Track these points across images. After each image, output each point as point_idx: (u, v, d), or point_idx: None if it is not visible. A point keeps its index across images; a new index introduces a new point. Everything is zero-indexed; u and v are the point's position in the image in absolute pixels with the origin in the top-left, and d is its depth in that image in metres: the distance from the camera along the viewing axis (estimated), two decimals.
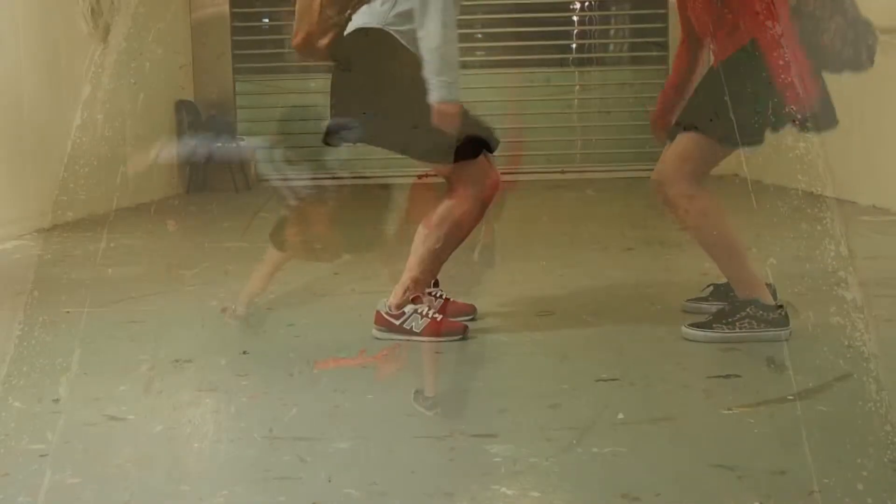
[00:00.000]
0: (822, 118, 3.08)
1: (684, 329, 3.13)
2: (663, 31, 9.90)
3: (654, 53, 9.96)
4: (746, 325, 3.07)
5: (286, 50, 9.58)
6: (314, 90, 8.61)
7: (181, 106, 9.30)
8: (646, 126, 3.71)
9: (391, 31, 3.02)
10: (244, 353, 3.03)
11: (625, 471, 2.07)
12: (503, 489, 1.97)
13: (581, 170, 9.68)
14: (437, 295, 3.40)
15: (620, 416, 2.40)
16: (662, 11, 9.90)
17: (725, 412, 2.42)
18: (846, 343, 2.83)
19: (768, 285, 3.21)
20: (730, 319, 3.09)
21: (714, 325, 3.10)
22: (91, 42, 6.74)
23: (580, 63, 10.24)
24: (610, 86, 10.08)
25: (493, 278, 4.30)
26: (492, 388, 2.73)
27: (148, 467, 2.19)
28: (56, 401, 2.63)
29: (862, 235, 5.18)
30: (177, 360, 2.96)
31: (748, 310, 3.08)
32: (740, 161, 3.47)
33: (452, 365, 2.96)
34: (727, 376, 2.71)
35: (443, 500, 1.93)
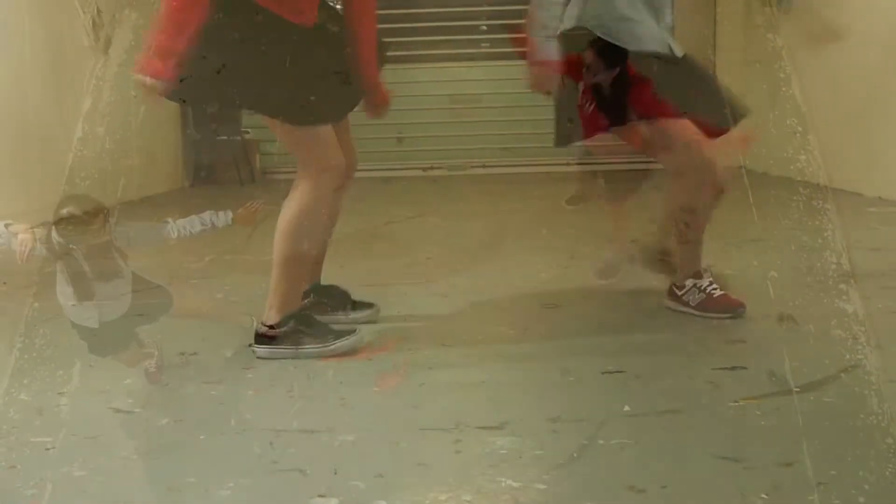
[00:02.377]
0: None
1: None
2: None
3: None
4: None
5: None
6: None
7: None
8: None
9: None
10: (250, 346, 3.03)
11: (630, 463, 2.07)
12: (509, 481, 1.97)
13: (585, 161, 9.63)
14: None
15: (626, 408, 2.40)
16: None
17: (732, 404, 2.41)
18: (852, 334, 2.82)
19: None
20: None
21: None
22: (93, 53, 6.76)
23: None
24: None
25: (498, 271, 4.29)
26: (497, 381, 2.72)
27: (154, 460, 2.19)
28: (62, 394, 2.63)
29: (868, 227, 5.17)
30: (182, 353, 2.96)
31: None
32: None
33: (458, 357, 2.96)
34: (733, 368, 2.71)
35: (448, 492, 1.93)
